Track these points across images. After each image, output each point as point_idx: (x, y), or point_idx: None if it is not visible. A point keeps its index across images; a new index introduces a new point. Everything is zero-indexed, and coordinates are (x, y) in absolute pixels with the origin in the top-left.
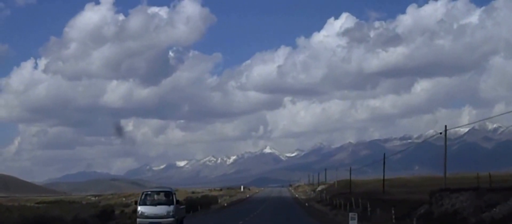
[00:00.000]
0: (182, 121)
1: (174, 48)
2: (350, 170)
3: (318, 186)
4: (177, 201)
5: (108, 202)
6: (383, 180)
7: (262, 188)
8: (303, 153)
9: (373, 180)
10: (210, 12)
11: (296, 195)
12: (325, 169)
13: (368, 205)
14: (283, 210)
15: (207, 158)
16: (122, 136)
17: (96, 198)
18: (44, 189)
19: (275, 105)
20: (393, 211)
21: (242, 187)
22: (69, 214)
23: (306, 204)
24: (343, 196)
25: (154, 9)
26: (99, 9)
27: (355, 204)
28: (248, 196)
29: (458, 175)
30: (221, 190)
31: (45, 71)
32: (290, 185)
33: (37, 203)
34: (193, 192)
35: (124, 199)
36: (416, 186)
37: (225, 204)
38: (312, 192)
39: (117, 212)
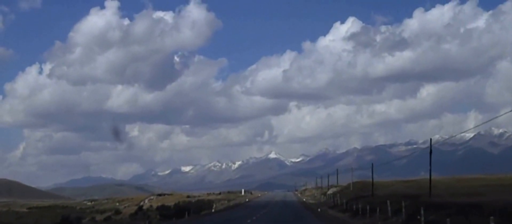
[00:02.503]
0: (187, 126)
1: (179, 53)
2: (372, 167)
3: (329, 189)
4: None
5: (101, 207)
6: (430, 179)
7: (265, 192)
8: (308, 159)
9: (394, 182)
10: (216, 17)
11: (304, 199)
12: (337, 170)
13: (422, 212)
14: (288, 217)
15: (212, 163)
16: (120, 139)
17: (92, 203)
18: (47, 194)
19: (280, 110)
20: None
21: (243, 190)
22: (31, 221)
23: (319, 209)
24: (363, 199)
25: (159, 14)
26: (104, 14)
27: (393, 211)
28: (247, 200)
29: (500, 175)
30: (219, 194)
31: (49, 76)
32: (296, 190)
33: (29, 208)
34: (188, 196)
35: (117, 204)
36: (449, 188)
37: (213, 211)
38: (322, 196)
39: (87, 218)
